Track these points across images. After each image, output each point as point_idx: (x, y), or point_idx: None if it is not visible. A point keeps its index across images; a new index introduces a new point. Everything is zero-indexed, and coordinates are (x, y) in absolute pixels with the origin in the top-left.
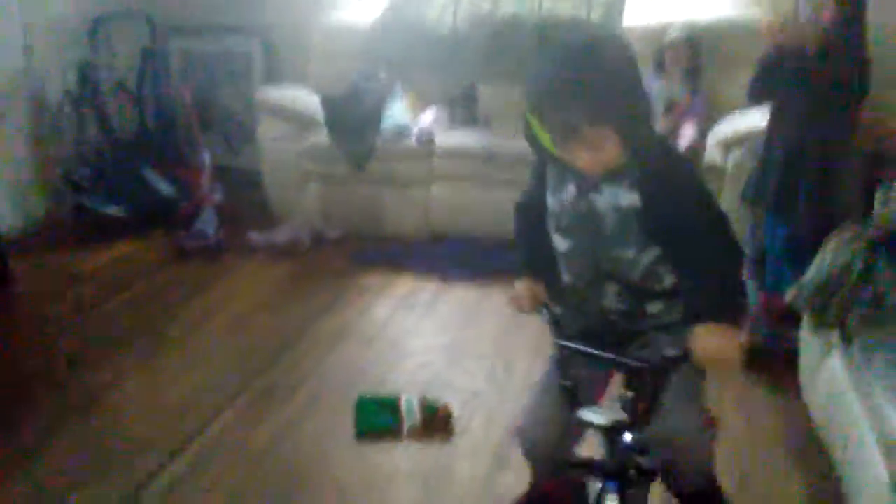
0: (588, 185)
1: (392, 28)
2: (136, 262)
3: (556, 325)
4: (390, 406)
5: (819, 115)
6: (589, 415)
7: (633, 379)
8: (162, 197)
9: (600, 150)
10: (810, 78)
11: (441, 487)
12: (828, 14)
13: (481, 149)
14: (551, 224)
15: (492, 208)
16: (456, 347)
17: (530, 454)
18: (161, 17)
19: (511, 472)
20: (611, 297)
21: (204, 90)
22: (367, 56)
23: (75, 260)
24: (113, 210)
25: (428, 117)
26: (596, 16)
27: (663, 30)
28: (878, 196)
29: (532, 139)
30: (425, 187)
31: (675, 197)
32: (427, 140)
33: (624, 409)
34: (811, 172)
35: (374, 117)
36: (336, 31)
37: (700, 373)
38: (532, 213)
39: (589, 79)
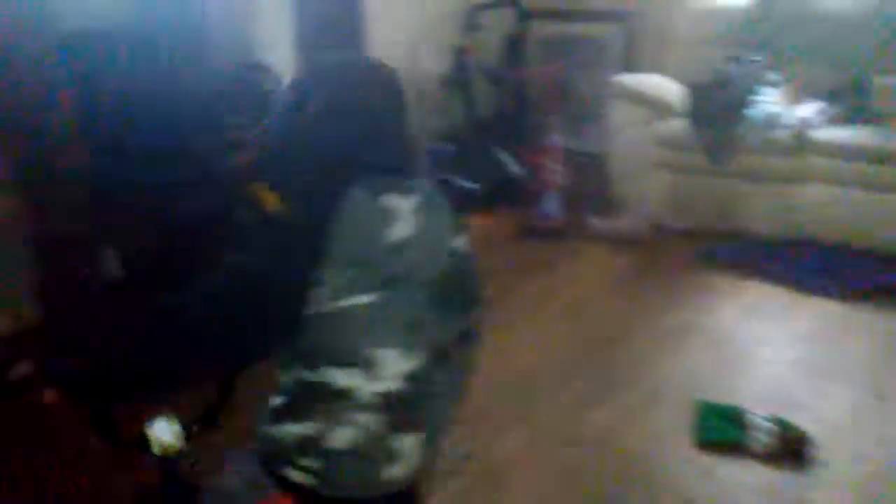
0: None
1: (775, 10)
2: (483, 237)
3: None
4: (736, 419)
5: None
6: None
7: None
8: (511, 176)
9: None
10: None
11: None
12: None
13: (874, 148)
14: None
15: (876, 216)
16: (814, 366)
17: None
18: (530, 3)
19: None
20: None
21: (562, 74)
22: (740, 40)
23: None
24: (467, 185)
25: (807, 109)
26: None
27: None
28: None
29: None
30: (793, 185)
31: None
32: (803, 134)
33: None
34: None
35: (740, 107)
36: (704, 15)
37: None
38: None
39: None
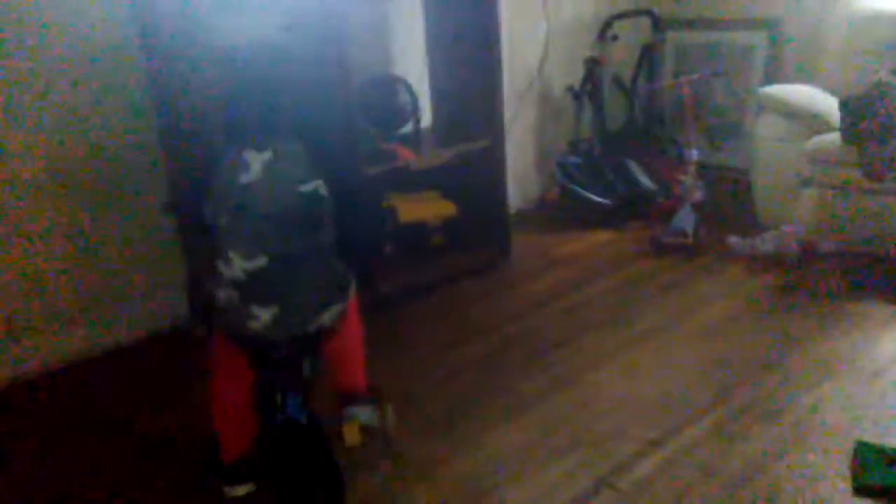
0: None
1: None
2: (612, 251)
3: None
4: None
5: None
6: None
7: None
8: (642, 190)
9: None
10: None
11: None
12: None
13: None
14: None
15: None
16: None
17: None
18: (665, 11)
19: None
20: None
21: (701, 86)
22: None
23: (559, 242)
24: (597, 199)
25: None
26: None
27: None
28: None
29: None
30: None
31: None
32: None
33: None
34: None
35: None
36: (865, 21)
37: None
38: None
39: None
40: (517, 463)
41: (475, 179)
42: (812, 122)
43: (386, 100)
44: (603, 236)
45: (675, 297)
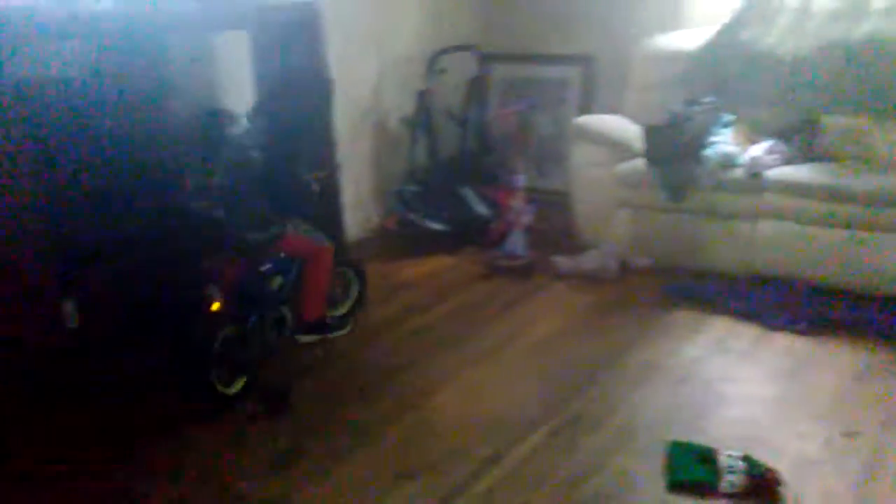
0: None
1: (722, 53)
2: (451, 276)
3: None
4: (706, 458)
5: None
6: None
7: None
8: (477, 216)
9: None
10: None
11: None
12: None
13: (825, 186)
14: None
15: (833, 251)
16: (783, 403)
17: None
18: (488, 47)
19: None
20: None
21: (524, 116)
22: (693, 82)
23: (398, 270)
24: (434, 226)
25: (760, 148)
26: None
27: None
28: None
29: None
30: (751, 223)
31: None
32: (758, 172)
33: None
34: None
35: (696, 147)
36: (658, 58)
37: None
38: None
39: None
40: (361, 493)
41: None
42: (620, 148)
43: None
44: (442, 262)
45: (509, 317)
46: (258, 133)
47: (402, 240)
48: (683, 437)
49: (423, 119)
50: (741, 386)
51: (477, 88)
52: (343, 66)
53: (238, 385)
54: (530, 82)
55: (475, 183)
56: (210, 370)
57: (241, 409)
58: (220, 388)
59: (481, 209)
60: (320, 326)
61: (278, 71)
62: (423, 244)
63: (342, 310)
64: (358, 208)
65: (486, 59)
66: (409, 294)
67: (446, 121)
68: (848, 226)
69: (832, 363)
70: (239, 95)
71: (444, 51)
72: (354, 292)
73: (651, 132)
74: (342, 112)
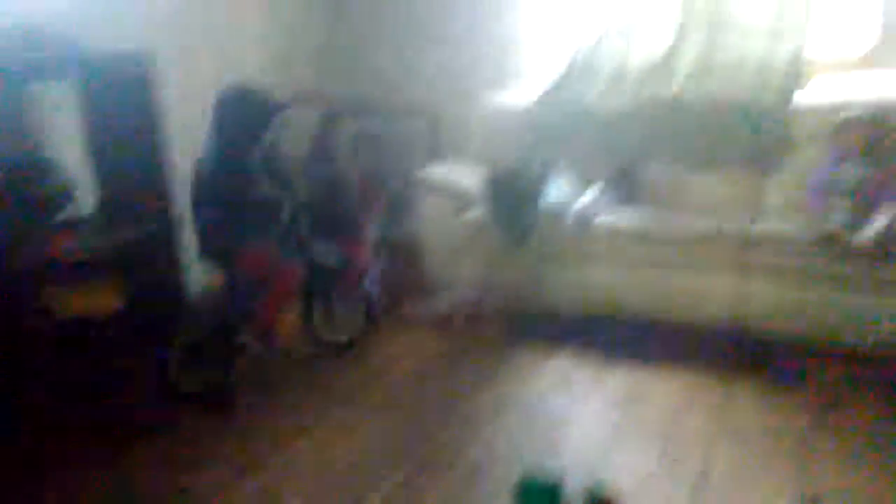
0: None
1: (553, 107)
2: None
3: None
4: (552, 492)
5: None
6: None
7: None
8: (327, 267)
9: None
10: None
11: None
12: None
13: (646, 230)
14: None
15: (654, 290)
16: (622, 430)
17: None
18: (332, 102)
19: None
20: None
21: (369, 168)
22: (528, 136)
23: None
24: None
25: (587, 197)
26: (770, 94)
27: (837, 110)
28: None
29: None
30: (584, 265)
31: None
32: (586, 219)
33: None
34: None
35: (534, 195)
36: (497, 111)
37: None
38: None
39: None
40: None
41: (148, 267)
42: (465, 198)
43: (29, 184)
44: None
45: (359, 367)
46: None
47: None
48: (531, 470)
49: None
50: (583, 418)
51: (321, 142)
52: (179, 117)
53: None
54: (377, 135)
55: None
56: None
57: None
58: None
59: (331, 260)
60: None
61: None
62: None
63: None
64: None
65: (331, 114)
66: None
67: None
68: (667, 266)
69: (660, 394)
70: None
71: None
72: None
73: (490, 181)
74: (182, 158)
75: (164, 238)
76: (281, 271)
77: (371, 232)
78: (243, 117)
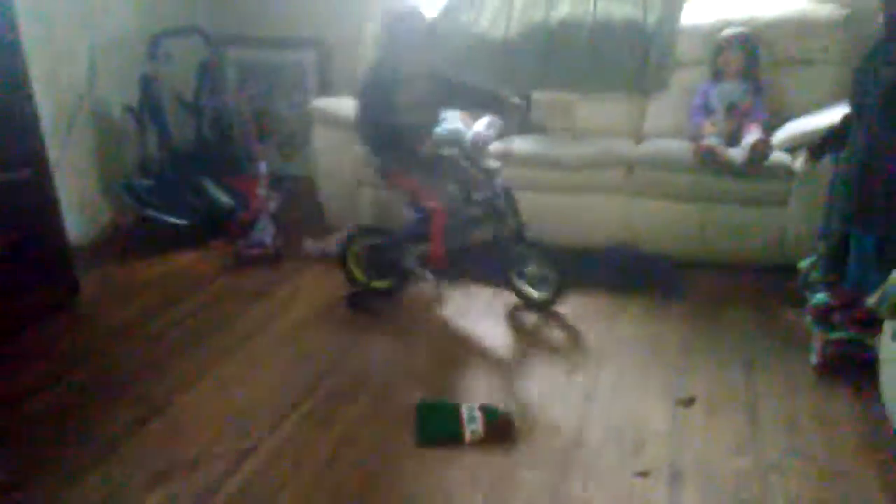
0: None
1: (444, 35)
2: (196, 270)
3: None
4: (451, 414)
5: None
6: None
7: None
8: (220, 207)
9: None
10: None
11: (505, 495)
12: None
13: (536, 156)
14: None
15: (548, 213)
16: (518, 353)
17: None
18: (218, 30)
19: (576, 480)
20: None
21: (259, 100)
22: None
23: (138, 269)
24: (174, 220)
25: (482, 124)
26: (652, 18)
27: (719, 29)
28: None
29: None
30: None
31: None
32: (482, 146)
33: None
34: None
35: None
36: None
37: None
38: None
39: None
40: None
41: (21, 214)
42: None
43: None
44: (186, 257)
45: (260, 306)
46: None
47: (139, 237)
48: (432, 395)
49: (149, 107)
50: (482, 342)
51: (209, 73)
52: (45, 49)
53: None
54: (265, 66)
55: (215, 173)
56: None
57: None
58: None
59: (224, 199)
60: None
61: None
62: (162, 241)
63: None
64: (84, 207)
65: (217, 42)
66: (150, 294)
67: (178, 108)
68: (558, 189)
69: (560, 317)
70: None
71: (166, 33)
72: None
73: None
74: (52, 100)
75: (39, 181)
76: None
77: (263, 168)
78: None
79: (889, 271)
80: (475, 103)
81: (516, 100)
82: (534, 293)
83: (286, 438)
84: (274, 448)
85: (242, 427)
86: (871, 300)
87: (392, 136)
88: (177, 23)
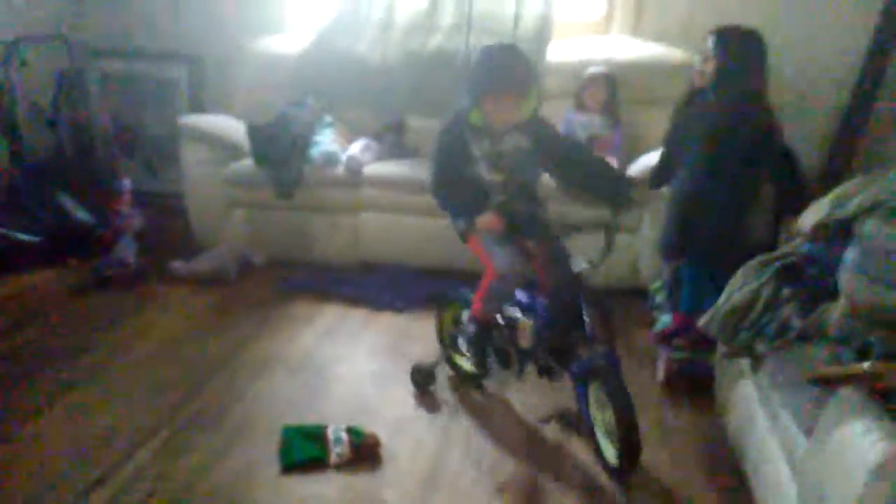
0: (497, 137)
1: (320, 58)
2: (50, 290)
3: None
4: (317, 436)
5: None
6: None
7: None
8: (78, 223)
9: (514, 110)
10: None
11: None
12: (710, 65)
13: (410, 180)
14: (482, 163)
15: (418, 236)
16: (383, 375)
17: (510, 286)
18: (83, 39)
19: (439, 499)
20: (524, 201)
21: (125, 114)
22: (295, 85)
23: None
24: (24, 237)
25: (357, 147)
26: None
27: (583, 67)
28: (783, 231)
29: (458, 128)
30: (353, 215)
31: (551, 139)
32: (356, 169)
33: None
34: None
35: (301, 146)
36: (263, 60)
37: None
38: (456, 175)
39: (528, 65)
40: None
41: None
42: (229, 148)
43: None
44: (37, 277)
45: (120, 329)
46: None
47: None
48: (297, 421)
49: (1, 116)
50: (349, 366)
51: (70, 83)
52: None
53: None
54: (134, 79)
55: (75, 187)
56: None
57: None
58: None
59: (83, 216)
60: None
61: None
62: (14, 259)
63: None
64: None
65: (83, 52)
66: None
67: (33, 119)
68: (426, 213)
69: (422, 335)
70: None
71: (26, 39)
72: None
73: (255, 131)
74: None
75: None
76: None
77: (127, 184)
78: None
79: (717, 294)
80: (584, 177)
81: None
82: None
83: (140, 468)
84: (126, 479)
85: (92, 458)
86: (702, 321)
87: (463, 195)
88: (40, 30)
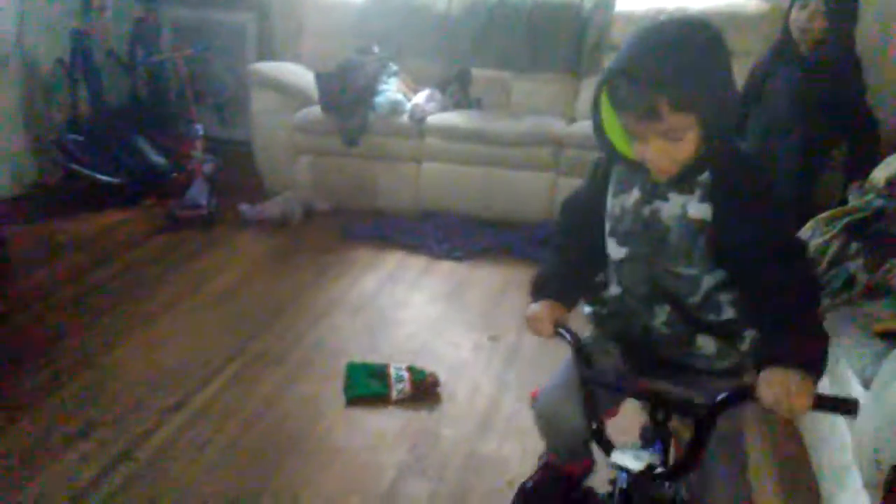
0: (655, 190)
1: (385, 7)
2: (127, 230)
3: (580, 353)
4: (379, 373)
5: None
6: (622, 458)
7: (665, 417)
8: (153, 166)
9: (678, 141)
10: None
11: (427, 450)
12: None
13: (474, 130)
14: (608, 227)
15: (480, 187)
16: (443, 320)
17: (552, 436)
18: None
19: (493, 437)
20: (660, 318)
21: (197, 61)
22: (361, 33)
23: (66, 226)
24: (104, 177)
25: (421, 96)
26: (589, 2)
27: (655, 16)
28: (852, 187)
29: (600, 133)
30: (416, 164)
31: (749, 212)
32: (420, 118)
33: (654, 450)
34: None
35: (367, 94)
36: (330, 8)
37: (740, 425)
38: (578, 214)
39: (680, 59)
40: (23, 460)
41: None
42: (297, 95)
43: None
44: (116, 216)
45: (192, 268)
46: None
47: (69, 195)
48: (359, 359)
49: (81, 62)
50: (410, 310)
51: (143, 30)
52: None
53: None
54: (203, 26)
55: (149, 131)
56: None
57: None
58: None
59: (158, 159)
60: None
61: None
62: (93, 199)
63: None
64: (10, 162)
65: None
66: (77, 255)
67: (111, 64)
68: (490, 163)
69: (481, 282)
70: None
71: None
72: None
73: (323, 79)
74: None
75: None
76: None
77: (199, 130)
78: None
79: None
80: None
81: None
82: None
83: (213, 396)
84: (200, 405)
85: (168, 386)
86: None
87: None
88: None
